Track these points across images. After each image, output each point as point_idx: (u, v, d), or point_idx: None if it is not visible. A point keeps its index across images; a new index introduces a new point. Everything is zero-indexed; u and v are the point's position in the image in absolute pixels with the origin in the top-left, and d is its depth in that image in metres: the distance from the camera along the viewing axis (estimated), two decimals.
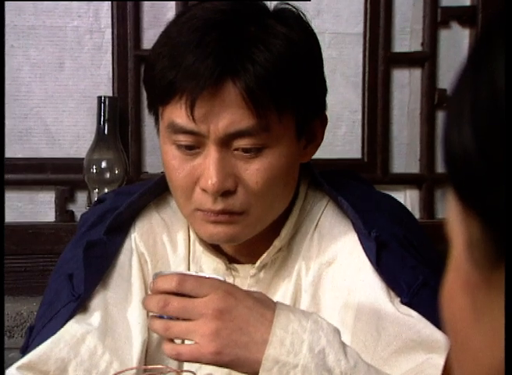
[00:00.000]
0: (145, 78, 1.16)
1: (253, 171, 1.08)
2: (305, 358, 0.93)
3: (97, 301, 1.16)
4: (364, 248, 1.13)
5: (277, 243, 1.17)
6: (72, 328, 1.12)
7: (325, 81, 1.17)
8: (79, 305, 1.13)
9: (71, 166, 1.85)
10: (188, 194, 1.10)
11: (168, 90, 1.06)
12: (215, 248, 1.21)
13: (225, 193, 1.08)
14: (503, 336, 0.43)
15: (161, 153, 1.14)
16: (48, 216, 1.87)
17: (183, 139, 1.08)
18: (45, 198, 1.88)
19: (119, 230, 1.23)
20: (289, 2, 1.15)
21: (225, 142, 1.06)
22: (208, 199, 1.08)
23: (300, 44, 1.09)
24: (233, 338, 0.93)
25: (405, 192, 1.95)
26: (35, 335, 1.16)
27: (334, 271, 1.16)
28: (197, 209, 1.10)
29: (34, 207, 1.87)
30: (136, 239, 1.23)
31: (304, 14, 1.14)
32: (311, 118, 1.13)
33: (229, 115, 1.04)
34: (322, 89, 1.17)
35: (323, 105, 1.17)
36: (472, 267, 0.45)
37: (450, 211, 0.47)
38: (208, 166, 1.07)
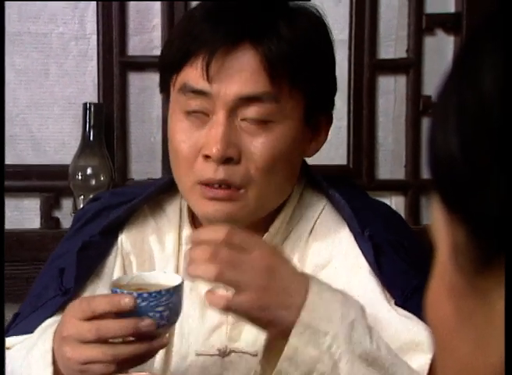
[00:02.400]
0: (161, 54, 1.18)
1: (258, 144, 1.09)
2: (336, 327, 0.94)
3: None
4: (361, 249, 1.13)
5: (268, 237, 1.17)
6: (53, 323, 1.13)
7: (335, 80, 1.19)
8: (67, 300, 1.13)
9: (56, 172, 1.85)
10: (190, 165, 1.11)
11: (189, 45, 1.08)
12: None
13: (227, 161, 1.08)
14: (487, 341, 0.43)
15: (168, 126, 1.16)
16: (33, 223, 1.87)
17: (193, 103, 1.09)
18: (30, 205, 1.87)
19: (112, 231, 1.23)
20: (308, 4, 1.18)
21: (234, 109, 1.07)
22: (210, 168, 1.08)
23: (322, 29, 1.14)
24: (280, 297, 0.94)
25: (390, 198, 1.96)
26: (18, 322, 1.17)
27: (328, 274, 1.16)
28: (198, 183, 1.10)
29: (19, 214, 1.86)
30: (122, 240, 1.23)
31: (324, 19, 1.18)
32: (319, 109, 1.15)
33: (243, 77, 1.06)
34: (333, 84, 1.18)
35: (331, 102, 1.19)
36: (457, 273, 0.45)
37: (435, 216, 0.47)
38: (215, 132, 1.07)
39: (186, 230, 1.22)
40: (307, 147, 1.17)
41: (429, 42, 1.94)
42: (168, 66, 1.14)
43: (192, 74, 1.08)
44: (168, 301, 0.97)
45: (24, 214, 1.86)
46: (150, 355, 1.00)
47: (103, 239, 1.21)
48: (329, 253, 1.17)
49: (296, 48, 1.08)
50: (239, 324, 1.18)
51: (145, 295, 0.96)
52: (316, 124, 1.16)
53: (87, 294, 1.17)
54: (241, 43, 1.06)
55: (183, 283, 1.00)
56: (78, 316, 0.97)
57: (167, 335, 1.00)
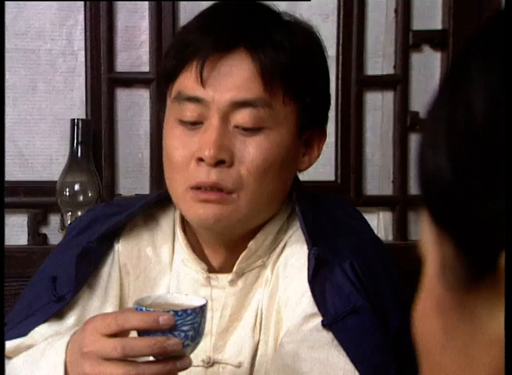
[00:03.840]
0: (162, 63, 1.20)
1: (251, 148, 1.10)
2: None
3: (75, 306, 1.17)
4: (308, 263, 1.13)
5: (252, 245, 1.17)
6: (44, 330, 1.12)
7: (329, 95, 1.20)
8: (62, 307, 1.13)
9: (44, 188, 1.84)
10: (184, 170, 1.11)
11: (184, 52, 1.09)
12: (196, 255, 1.21)
13: (220, 164, 1.09)
14: (474, 357, 0.43)
15: (163, 135, 1.17)
16: (20, 239, 1.86)
17: (188, 111, 1.10)
18: (18, 221, 1.86)
19: (107, 240, 1.23)
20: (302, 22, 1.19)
21: (228, 114, 1.08)
22: (203, 171, 1.09)
23: (316, 41, 1.16)
24: None
25: (378, 214, 1.96)
26: (8, 330, 1.16)
27: (286, 285, 1.17)
28: (190, 187, 1.11)
29: (7, 230, 1.85)
30: (119, 250, 1.23)
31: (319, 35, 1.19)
32: (312, 121, 1.16)
33: (237, 82, 1.07)
34: (327, 98, 1.20)
35: (324, 117, 1.20)
36: (445, 289, 0.45)
37: (424, 232, 0.47)
38: (208, 136, 1.08)
39: (179, 240, 1.22)
40: (300, 160, 1.17)
41: (416, 58, 1.95)
42: (164, 76, 1.16)
43: (187, 82, 1.09)
44: (193, 321, 0.97)
45: (11, 230, 1.85)
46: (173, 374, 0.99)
47: (98, 247, 1.21)
48: (291, 265, 1.17)
49: (291, 57, 1.09)
50: (224, 335, 1.19)
51: (172, 314, 0.96)
52: (309, 138, 1.17)
53: (79, 303, 1.16)
54: (235, 49, 1.07)
55: (207, 303, 1.00)
56: (102, 331, 0.96)
57: (190, 356, 0.99)
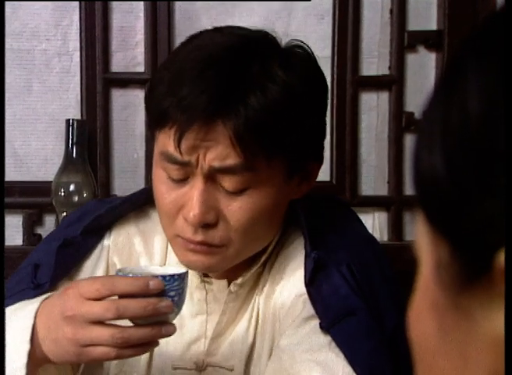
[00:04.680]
0: (145, 99, 1.16)
1: (235, 208, 1.08)
2: None
3: None
4: (305, 267, 1.12)
5: (259, 268, 1.19)
6: None
7: (324, 126, 1.16)
8: (37, 296, 1.13)
9: (39, 189, 1.84)
10: (171, 220, 1.11)
11: (161, 118, 1.07)
12: None
13: (205, 225, 1.08)
14: (470, 358, 0.43)
15: (152, 175, 1.15)
16: (15, 240, 1.86)
17: (173, 171, 1.08)
18: (13, 222, 1.86)
19: (94, 234, 1.24)
20: (301, 44, 1.15)
21: (212, 176, 1.06)
22: (189, 229, 1.09)
23: (299, 92, 1.08)
24: None
25: (373, 214, 1.96)
26: None
27: (282, 287, 1.17)
28: (178, 236, 1.11)
29: None
30: (110, 248, 1.23)
31: (314, 56, 1.15)
32: (306, 160, 1.13)
33: (216, 150, 1.04)
34: (320, 134, 1.16)
35: (319, 149, 1.17)
36: (440, 289, 0.45)
37: (419, 233, 0.47)
38: (193, 196, 1.07)
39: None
40: (297, 191, 1.15)
41: (411, 59, 1.95)
42: (150, 117, 1.14)
43: (167, 144, 1.07)
44: (179, 287, 0.99)
45: (6, 231, 1.85)
46: (155, 342, 1.00)
47: (83, 241, 1.22)
48: (290, 269, 1.17)
49: (267, 118, 1.04)
50: (217, 338, 1.19)
51: (160, 279, 0.97)
52: (305, 170, 1.14)
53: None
54: (213, 119, 1.03)
55: (187, 272, 1.02)
56: (88, 295, 0.96)
57: (174, 322, 1.00)
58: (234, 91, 1.04)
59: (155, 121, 1.10)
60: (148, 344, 0.99)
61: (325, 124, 1.17)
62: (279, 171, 1.09)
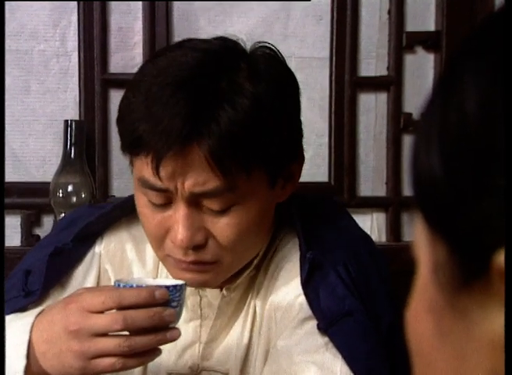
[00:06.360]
0: (117, 122, 1.13)
1: (222, 225, 1.07)
2: None
3: (44, 304, 1.15)
4: (301, 268, 1.12)
5: (251, 272, 1.18)
6: None
7: (299, 125, 1.14)
8: (29, 304, 1.12)
9: (37, 189, 1.84)
10: (160, 242, 1.10)
11: (136, 144, 1.05)
12: None
13: (195, 247, 1.07)
14: (467, 359, 0.43)
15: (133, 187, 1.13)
16: (13, 241, 1.86)
17: (154, 197, 1.07)
18: (11, 222, 1.86)
19: (86, 241, 1.23)
20: (266, 43, 1.12)
21: (194, 199, 1.05)
22: (179, 251, 1.08)
23: (269, 101, 1.06)
24: None
25: (372, 215, 1.96)
26: None
27: (278, 288, 1.16)
28: (169, 256, 1.10)
29: None
30: (101, 255, 1.23)
31: (280, 55, 1.12)
32: (286, 164, 1.12)
33: (195, 176, 1.03)
34: (297, 136, 1.14)
35: (298, 149, 1.15)
36: (437, 290, 0.45)
37: (417, 233, 0.47)
38: (177, 220, 1.06)
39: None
40: (281, 193, 1.14)
41: (409, 60, 1.95)
42: (123, 142, 1.11)
43: (144, 170, 1.05)
44: (180, 297, 0.99)
45: (5, 231, 1.85)
46: (159, 351, 1.00)
47: (74, 248, 1.21)
48: (284, 270, 1.16)
49: (240, 132, 1.02)
50: (212, 343, 1.19)
51: (164, 289, 0.98)
52: (287, 173, 1.13)
53: (49, 302, 1.15)
54: (189, 142, 1.01)
55: (185, 284, 1.02)
56: (93, 308, 0.96)
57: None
58: (205, 109, 1.02)
59: (129, 147, 1.08)
60: (152, 353, 0.99)
61: (301, 123, 1.15)
62: (261, 182, 1.08)
